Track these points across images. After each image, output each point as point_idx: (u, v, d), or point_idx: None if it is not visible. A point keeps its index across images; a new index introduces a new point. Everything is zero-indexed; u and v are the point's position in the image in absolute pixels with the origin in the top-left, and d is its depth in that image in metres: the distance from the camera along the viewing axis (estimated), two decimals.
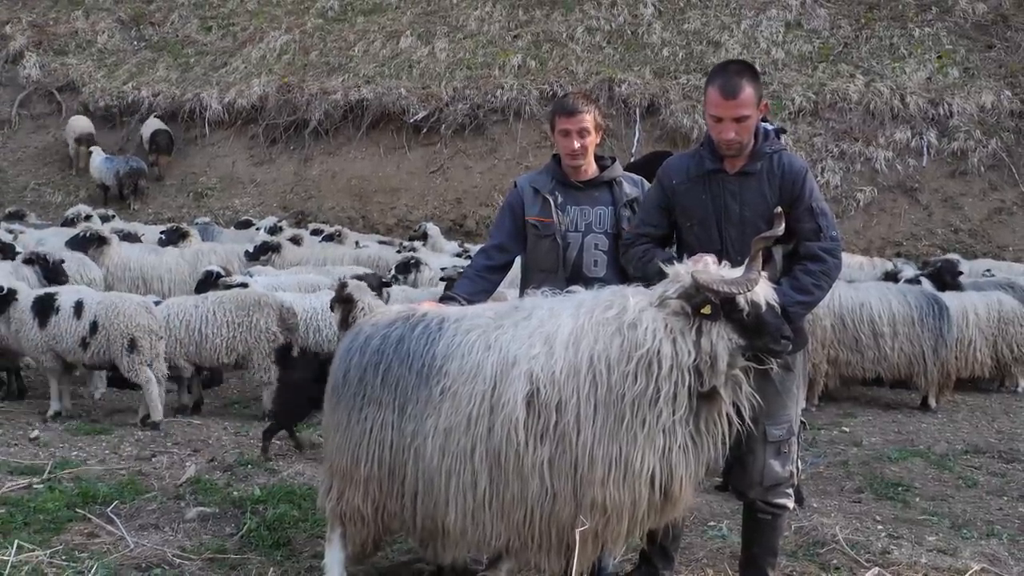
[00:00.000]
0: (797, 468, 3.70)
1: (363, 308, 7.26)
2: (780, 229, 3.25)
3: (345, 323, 7.49)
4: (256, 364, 7.26)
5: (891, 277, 10.64)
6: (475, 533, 3.23)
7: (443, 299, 3.88)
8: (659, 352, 3.06)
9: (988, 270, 11.85)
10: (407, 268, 10.25)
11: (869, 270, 11.75)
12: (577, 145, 3.92)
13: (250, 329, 7.19)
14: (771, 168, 3.52)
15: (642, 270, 3.60)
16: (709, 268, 3.18)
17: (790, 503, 3.69)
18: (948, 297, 8.97)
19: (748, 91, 3.42)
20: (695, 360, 3.07)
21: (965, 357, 8.83)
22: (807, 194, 3.50)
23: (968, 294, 9.41)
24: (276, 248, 11.56)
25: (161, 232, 12.44)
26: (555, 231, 3.93)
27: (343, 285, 7.23)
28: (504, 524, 3.17)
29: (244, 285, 8.23)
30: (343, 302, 7.18)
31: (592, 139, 3.97)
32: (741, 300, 3.08)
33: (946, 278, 9.99)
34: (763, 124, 3.58)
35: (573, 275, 3.87)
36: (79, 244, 9.94)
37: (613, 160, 4.13)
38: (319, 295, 8.27)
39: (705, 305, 3.08)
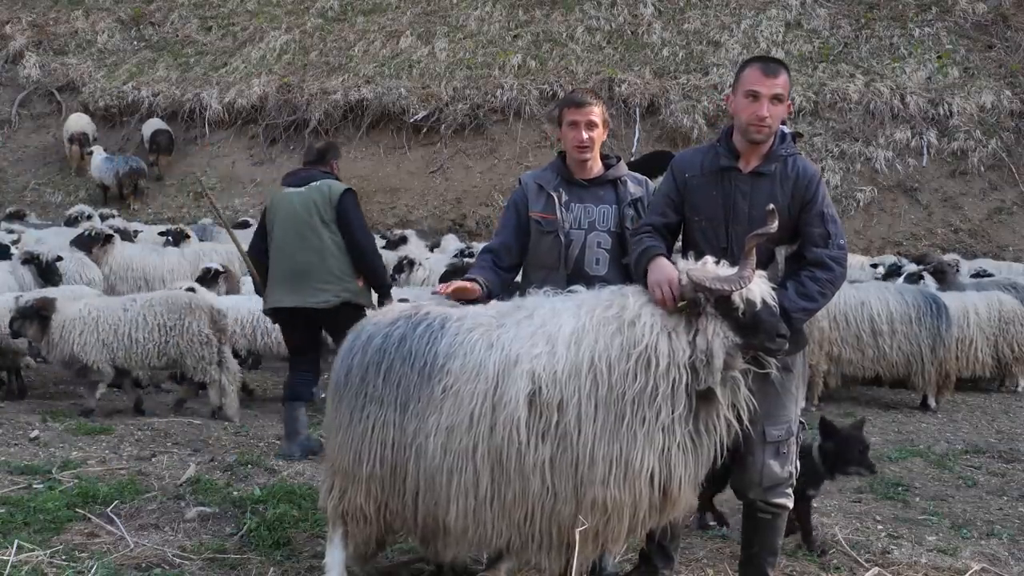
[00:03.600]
0: (796, 468, 3.69)
1: None
2: (773, 226, 3.24)
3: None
4: (191, 367, 7.14)
5: (891, 274, 10.75)
6: (476, 531, 3.23)
7: (466, 279, 3.79)
8: (656, 348, 3.07)
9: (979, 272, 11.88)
10: (400, 268, 10.39)
11: (869, 269, 11.84)
12: (585, 136, 3.91)
13: (182, 332, 7.07)
14: (785, 171, 3.52)
15: (632, 258, 3.57)
16: (706, 266, 3.20)
17: (790, 503, 3.69)
18: (948, 297, 8.97)
19: (786, 77, 3.50)
20: (691, 357, 3.08)
21: (966, 357, 8.83)
22: (819, 199, 3.50)
23: (968, 294, 9.42)
24: None
25: (163, 232, 12.45)
26: (558, 228, 3.92)
27: None
28: (505, 523, 3.17)
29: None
30: None
31: (599, 133, 3.96)
32: (736, 298, 3.09)
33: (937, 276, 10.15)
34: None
35: (575, 273, 3.86)
36: (84, 243, 9.94)
37: (618, 159, 4.12)
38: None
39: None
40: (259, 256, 6.12)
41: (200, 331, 7.11)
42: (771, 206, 3.28)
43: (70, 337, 6.94)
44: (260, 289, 6.21)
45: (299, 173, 6.12)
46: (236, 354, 7.72)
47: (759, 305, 3.13)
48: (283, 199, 5.99)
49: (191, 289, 8.03)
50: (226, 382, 7.25)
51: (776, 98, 3.46)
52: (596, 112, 3.94)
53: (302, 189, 5.95)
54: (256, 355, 8.24)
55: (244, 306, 8.01)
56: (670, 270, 3.24)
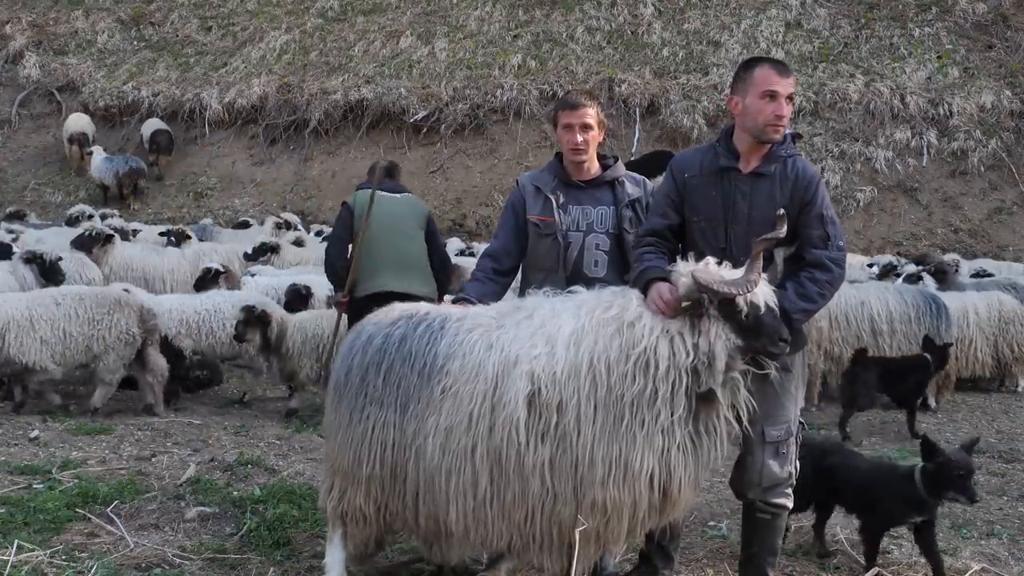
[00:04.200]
0: (796, 468, 3.69)
1: (280, 320, 7.39)
2: (782, 231, 3.23)
3: (267, 344, 7.53)
4: (107, 364, 6.96)
5: (886, 273, 10.76)
6: (477, 532, 3.23)
7: (457, 301, 3.85)
8: (656, 351, 3.06)
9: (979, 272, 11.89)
10: None
11: (868, 269, 11.85)
12: (580, 139, 3.90)
13: (109, 328, 6.92)
14: (784, 172, 3.51)
15: (632, 276, 3.56)
16: (710, 268, 3.19)
17: (789, 503, 3.69)
18: (948, 297, 8.97)
19: (793, 78, 3.54)
20: (692, 361, 3.07)
21: (966, 357, 8.82)
22: (819, 200, 3.49)
23: (968, 294, 9.41)
24: (275, 249, 11.58)
25: (164, 233, 12.45)
26: (556, 230, 3.91)
27: (251, 308, 7.34)
28: (505, 524, 3.17)
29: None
30: (260, 322, 7.28)
31: (595, 135, 3.94)
32: (740, 301, 3.08)
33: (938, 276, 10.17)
34: None
35: (573, 275, 3.85)
36: (84, 243, 9.93)
37: (616, 159, 4.11)
38: (211, 296, 8.31)
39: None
40: (345, 251, 6.21)
41: (128, 329, 6.98)
42: (781, 211, 3.27)
43: (3, 342, 6.68)
44: (342, 283, 6.15)
45: (385, 182, 6.38)
46: (181, 354, 7.61)
47: (763, 308, 3.12)
48: (378, 199, 6.13)
49: (126, 290, 7.87)
50: (153, 381, 7.17)
51: (789, 97, 3.50)
52: (591, 114, 3.92)
53: (398, 196, 6.30)
54: (201, 354, 8.13)
55: (189, 305, 7.94)
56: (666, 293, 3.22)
